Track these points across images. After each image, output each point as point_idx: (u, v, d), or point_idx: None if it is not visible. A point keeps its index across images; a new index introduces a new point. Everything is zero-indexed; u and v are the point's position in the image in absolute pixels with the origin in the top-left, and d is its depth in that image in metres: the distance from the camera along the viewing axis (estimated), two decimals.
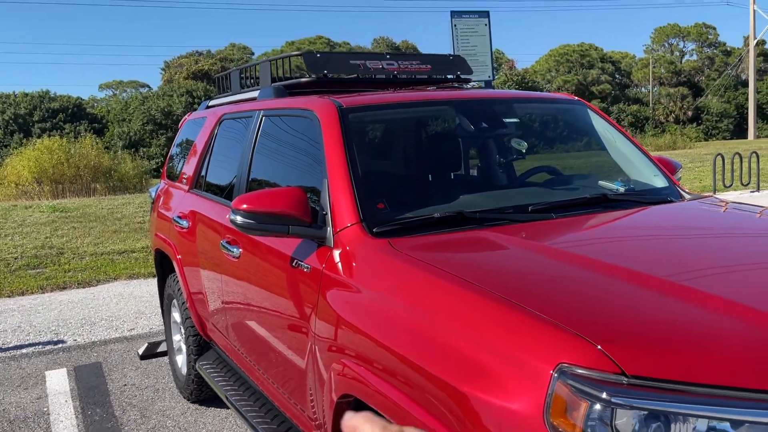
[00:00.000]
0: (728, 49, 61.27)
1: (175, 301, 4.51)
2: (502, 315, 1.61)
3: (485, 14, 7.73)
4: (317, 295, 2.33)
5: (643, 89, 59.18)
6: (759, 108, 52.66)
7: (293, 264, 2.54)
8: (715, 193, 13.83)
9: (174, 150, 5.02)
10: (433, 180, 2.84)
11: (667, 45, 62.58)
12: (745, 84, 55.12)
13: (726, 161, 14.27)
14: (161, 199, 4.81)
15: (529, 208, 2.47)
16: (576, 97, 3.28)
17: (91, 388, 4.77)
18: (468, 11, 7.62)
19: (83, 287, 8.32)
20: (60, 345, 5.82)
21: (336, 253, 2.33)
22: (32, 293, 8.01)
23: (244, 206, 2.44)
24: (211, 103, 4.73)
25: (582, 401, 1.36)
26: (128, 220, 12.90)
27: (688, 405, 1.33)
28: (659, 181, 2.97)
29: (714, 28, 60.78)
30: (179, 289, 4.28)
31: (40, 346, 5.80)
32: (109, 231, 11.88)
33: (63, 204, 15.56)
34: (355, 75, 3.52)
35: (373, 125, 2.78)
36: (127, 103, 46.58)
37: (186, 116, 5.15)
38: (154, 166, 32.68)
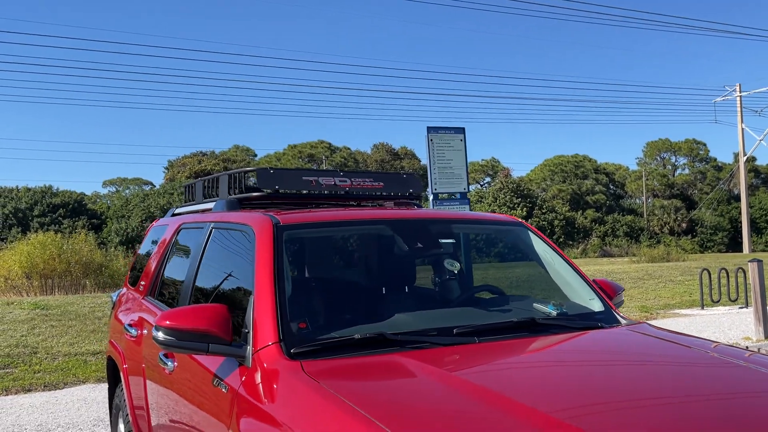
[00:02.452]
0: (719, 164, 62.93)
1: (121, 412, 4.38)
2: None
3: (461, 130, 8.03)
4: (230, 420, 2.27)
5: (636, 200, 60.26)
6: (752, 222, 53.39)
7: (214, 383, 2.50)
8: (702, 308, 13.74)
9: (137, 256, 5.05)
10: (362, 299, 2.84)
11: (659, 159, 64.34)
12: (738, 198, 56.15)
13: (712, 276, 14.29)
14: (120, 305, 4.79)
15: (454, 330, 2.46)
16: (518, 219, 3.34)
17: None
18: (444, 127, 7.93)
19: (49, 390, 8.11)
20: None
21: (252, 374, 2.30)
22: None
23: (167, 323, 2.43)
24: (177, 211, 4.82)
25: None
26: (107, 320, 12.75)
27: None
28: (596, 305, 2.97)
29: (704, 144, 62.73)
30: (125, 400, 4.17)
31: None
32: (87, 330, 11.72)
33: (45, 301, 15.43)
34: (307, 191, 3.61)
35: (308, 242, 2.82)
36: (128, 200, 47.33)
37: (152, 223, 5.22)
38: None
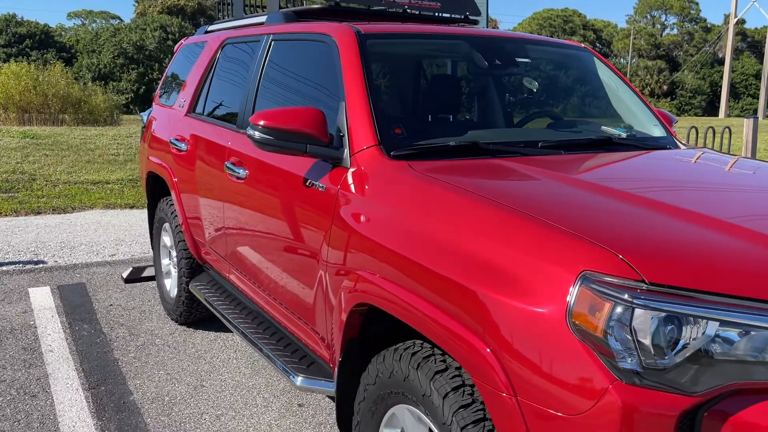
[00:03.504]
0: (708, 25, 61.73)
1: (166, 225, 4.53)
2: (528, 228, 1.71)
3: None
4: (331, 214, 2.40)
5: (622, 60, 59.45)
6: (732, 87, 53.49)
7: (306, 184, 2.60)
8: None
9: (169, 73, 4.96)
10: (447, 110, 2.91)
11: (649, 17, 62.75)
12: (722, 62, 55.80)
13: (699, 135, 14.56)
14: (155, 122, 4.77)
15: (539, 144, 2.56)
16: (582, 44, 3.35)
17: (77, 306, 4.81)
18: None
19: (58, 213, 8.24)
20: (41, 265, 5.80)
21: (352, 173, 2.39)
22: (6, 215, 7.90)
23: (262, 122, 2.47)
24: (211, 28, 4.67)
25: (605, 302, 1.47)
26: (102, 152, 12.69)
27: (700, 309, 1.46)
28: (657, 131, 3.08)
29: (696, 3, 61.05)
30: (172, 213, 4.30)
31: (20, 265, 5.78)
32: (83, 161, 11.68)
33: (34, 131, 15.18)
34: (367, 6, 3.52)
35: (389, 54, 2.81)
36: (98, 34, 45.00)
37: (182, 41, 5.07)
38: (124, 101, 31.86)
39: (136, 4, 56.25)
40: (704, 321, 1.45)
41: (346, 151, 2.46)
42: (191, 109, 4.21)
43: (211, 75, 4.07)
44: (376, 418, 2.18)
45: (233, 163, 3.27)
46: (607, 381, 1.45)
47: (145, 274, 5.44)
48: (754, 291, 1.49)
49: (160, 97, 4.95)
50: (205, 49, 4.28)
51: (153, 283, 5.35)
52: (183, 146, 4.00)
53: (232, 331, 4.33)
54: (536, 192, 2.09)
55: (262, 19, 3.75)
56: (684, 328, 1.46)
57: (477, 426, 1.74)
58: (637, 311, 1.46)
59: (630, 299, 1.46)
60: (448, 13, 3.75)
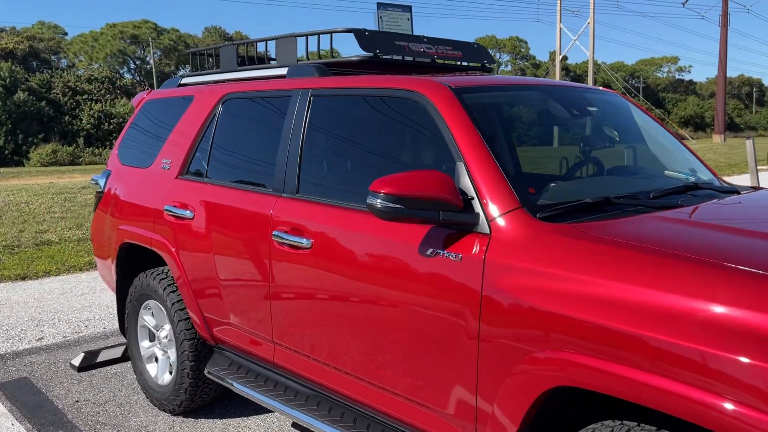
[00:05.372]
0: (537, 62, 67.60)
1: (150, 302, 3.99)
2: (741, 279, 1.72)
3: (408, 9, 7.80)
4: (479, 286, 2.20)
5: None
6: None
7: (427, 253, 2.37)
8: None
9: (132, 131, 4.42)
10: (557, 162, 2.83)
11: None
12: None
13: None
14: (121, 187, 4.22)
15: (651, 194, 2.55)
16: (612, 90, 3.44)
17: (36, 407, 4.06)
18: (393, 4, 7.64)
19: None
20: None
21: (499, 240, 2.21)
22: None
23: (386, 190, 2.23)
24: (187, 81, 4.24)
25: None
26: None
27: None
28: (706, 174, 3.21)
29: (526, 42, 66.85)
30: (167, 288, 3.79)
31: None
32: None
33: None
34: (401, 56, 3.37)
35: (485, 108, 2.68)
36: None
37: (142, 95, 4.56)
38: None
39: None
40: None
41: (482, 216, 2.28)
42: (184, 170, 3.76)
43: (211, 133, 3.66)
44: None
45: (286, 232, 2.93)
46: None
47: (102, 358, 4.76)
48: None
49: (123, 157, 4.40)
50: (195, 104, 3.86)
51: (113, 369, 4.69)
52: (187, 213, 3.55)
53: (241, 416, 3.87)
54: (714, 246, 2.06)
55: (281, 71, 3.46)
56: None
57: None
58: None
59: None
60: (468, 61, 3.70)
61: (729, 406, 1.63)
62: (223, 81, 3.91)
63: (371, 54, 3.22)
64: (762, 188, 3.10)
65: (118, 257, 4.16)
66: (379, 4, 8.01)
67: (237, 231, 3.25)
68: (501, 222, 2.24)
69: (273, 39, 3.66)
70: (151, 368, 4.10)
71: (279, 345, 3.11)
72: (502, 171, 2.33)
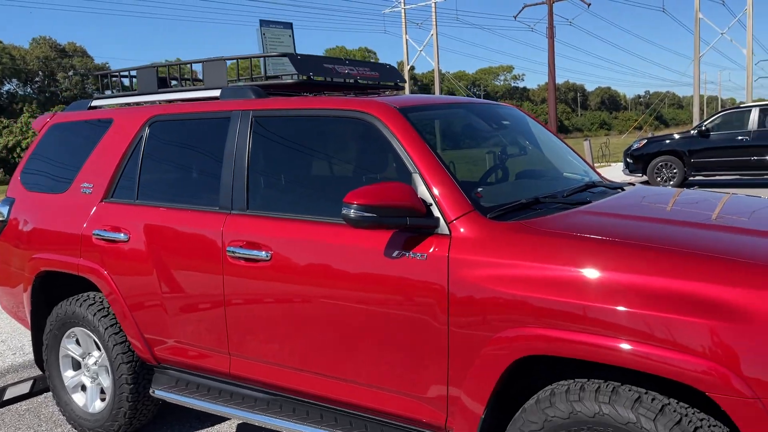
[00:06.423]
0: None
1: (75, 330, 3.89)
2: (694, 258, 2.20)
3: (289, 26, 7.97)
4: (445, 281, 2.51)
5: None
6: None
7: (393, 255, 2.64)
8: None
9: (36, 156, 4.26)
10: (481, 172, 3.22)
11: None
12: None
13: None
14: (30, 214, 4.06)
15: (564, 193, 3.02)
16: (511, 105, 3.93)
17: None
18: (275, 22, 7.79)
19: None
20: None
21: (460, 239, 2.55)
22: None
23: (359, 201, 2.50)
24: (99, 103, 4.18)
25: None
26: None
27: None
28: (594, 175, 3.77)
29: (375, 53, 68.77)
30: (96, 314, 3.73)
31: None
32: None
33: None
34: (330, 78, 3.61)
35: (426, 124, 3.00)
36: None
37: (45, 118, 4.39)
38: None
39: None
40: None
41: (441, 219, 2.61)
42: (109, 194, 3.73)
43: (138, 155, 3.67)
44: None
45: (242, 246, 3.07)
46: None
47: (10, 395, 4.54)
48: None
49: (28, 184, 4.22)
50: (115, 127, 3.84)
51: (24, 405, 4.47)
52: (121, 236, 3.54)
53: (190, 427, 3.90)
54: (634, 231, 2.53)
55: (213, 93, 3.57)
56: None
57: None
58: None
59: None
60: (384, 81, 4.02)
61: (625, 346, 2.14)
62: (145, 103, 3.93)
63: (306, 76, 3.44)
64: (634, 184, 3.72)
65: (33, 287, 4.00)
66: (261, 21, 8.24)
67: (182, 250, 3.32)
68: (459, 224, 2.58)
69: (200, 62, 3.75)
70: (78, 398, 3.99)
71: (236, 356, 3.23)
72: (453, 179, 2.68)
